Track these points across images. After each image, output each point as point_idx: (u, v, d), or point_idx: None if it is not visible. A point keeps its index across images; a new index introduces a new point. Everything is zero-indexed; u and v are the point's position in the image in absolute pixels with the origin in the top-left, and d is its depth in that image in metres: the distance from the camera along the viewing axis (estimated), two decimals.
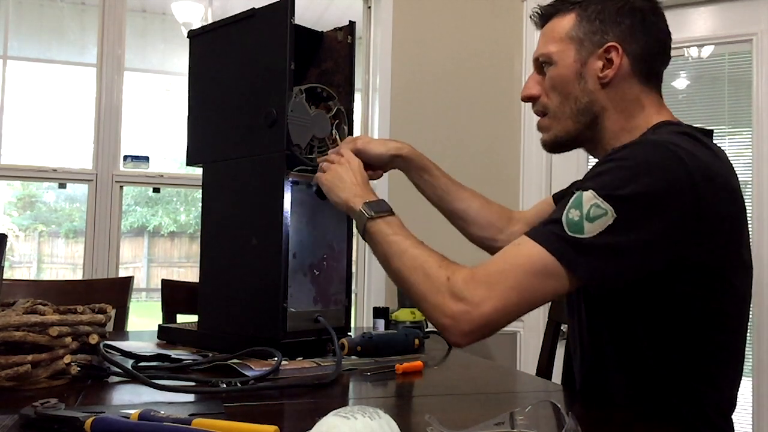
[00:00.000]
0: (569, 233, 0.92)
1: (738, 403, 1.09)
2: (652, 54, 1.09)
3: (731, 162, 1.04)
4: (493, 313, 0.93)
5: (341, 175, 1.19)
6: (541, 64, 1.13)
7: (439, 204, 1.41)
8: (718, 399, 1.02)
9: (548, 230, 0.94)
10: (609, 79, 1.07)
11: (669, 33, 1.12)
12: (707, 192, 0.94)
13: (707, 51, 2.74)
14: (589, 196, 0.93)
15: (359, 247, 2.79)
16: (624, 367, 1.04)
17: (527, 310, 0.95)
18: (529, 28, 2.86)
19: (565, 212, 0.94)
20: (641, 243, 0.92)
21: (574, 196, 0.94)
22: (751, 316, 1.04)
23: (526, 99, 1.17)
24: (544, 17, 1.15)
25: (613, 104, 1.08)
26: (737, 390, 1.06)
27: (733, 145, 2.66)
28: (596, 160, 1.16)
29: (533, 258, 0.93)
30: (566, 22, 1.10)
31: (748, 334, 1.07)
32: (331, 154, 1.25)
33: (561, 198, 1.39)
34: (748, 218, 1.03)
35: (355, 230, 1.29)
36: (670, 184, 0.92)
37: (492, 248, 1.40)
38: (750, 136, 2.57)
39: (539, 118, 1.16)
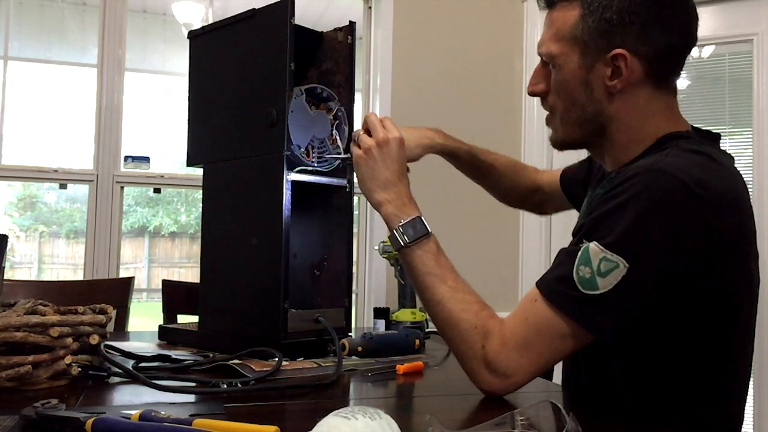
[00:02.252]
0: (584, 291, 0.89)
1: None
2: (672, 50, 0.99)
3: (738, 171, 1.01)
4: (523, 382, 0.96)
5: (376, 167, 1.10)
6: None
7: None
8: (723, 419, 1.01)
9: (562, 291, 0.92)
10: (618, 89, 0.99)
11: (695, 12, 1.00)
12: (718, 221, 0.90)
13: (708, 51, 2.74)
14: (595, 250, 0.89)
15: (359, 247, 2.79)
16: (628, 382, 1.02)
17: (550, 367, 0.98)
18: (529, 28, 2.86)
19: (575, 269, 0.90)
20: (657, 283, 0.91)
21: (581, 250, 0.91)
22: None
23: (532, 94, 1.10)
24: (548, 1, 1.05)
25: (622, 114, 1.01)
26: (743, 407, 1.04)
27: (733, 145, 2.66)
28: (598, 158, 1.16)
29: (552, 323, 0.92)
30: (570, 18, 1.00)
31: (753, 349, 1.06)
32: (373, 121, 1.13)
33: (570, 179, 1.41)
34: None
35: (355, 230, 1.29)
36: (673, 210, 0.88)
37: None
38: (750, 136, 2.57)
39: (546, 111, 1.10)
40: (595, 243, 0.90)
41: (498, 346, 0.95)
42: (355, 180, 1.25)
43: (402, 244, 1.04)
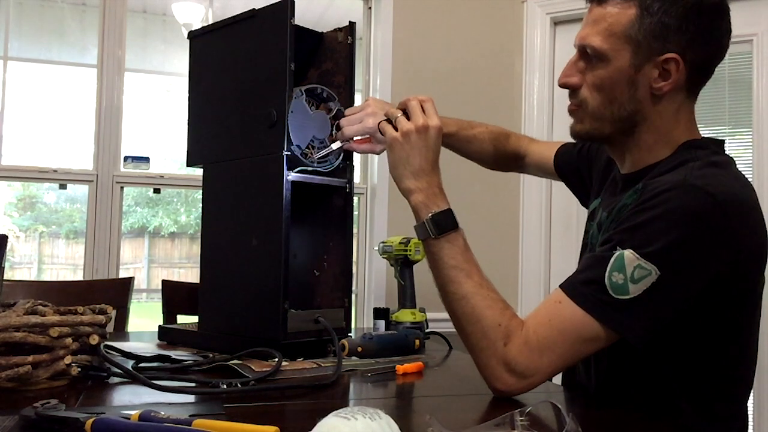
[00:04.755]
0: (614, 296, 0.92)
1: None
2: (713, 61, 1.03)
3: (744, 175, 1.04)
4: (538, 383, 0.97)
5: (412, 152, 1.06)
6: (587, 53, 1.04)
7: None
8: (736, 412, 1.04)
9: (591, 294, 0.93)
10: (663, 92, 1.02)
11: (730, 31, 1.03)
12: (743, 230, 0.95)
13: None
14: (631, 258, 0.92)
15: (359, 247, 2.79)
16: (643, 380, 1.04)
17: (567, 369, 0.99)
18: (529, 29, 2.86)
19: (607, 275, 0.92)
20: (686, 290, 0.94)
21: (615, 257, 0.93)
22: None
23: (564, 86, 1.08)
24: None
25: (656, 116, 1.04)
26: (745, 402, 1.07)
27: (733, 145, 2.66)
28: (610, 157, 1.18)
29: (579, 325, 0.94)
30: (626, 17, 1.00)
31: (757, 352, 1.07)
32: (414, 105, 1.10)
33: (565, 161, 1.43)
34: None
35: (355, 231, 1.29)
36: (709, 229, 0.92)
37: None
38: (750, 136, 2.57)
39: (572, 104, 1.09)
40: (631, 251, 0.92)
41: (520, 345, 0.95)
42: (356, 181, 1.24)
43: (430, 234, 1.02)
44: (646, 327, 0.93)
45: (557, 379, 1.25)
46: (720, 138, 1.09)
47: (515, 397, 0.98)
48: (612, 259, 0.93)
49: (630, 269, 0.91)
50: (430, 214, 1.03)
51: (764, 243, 1.00)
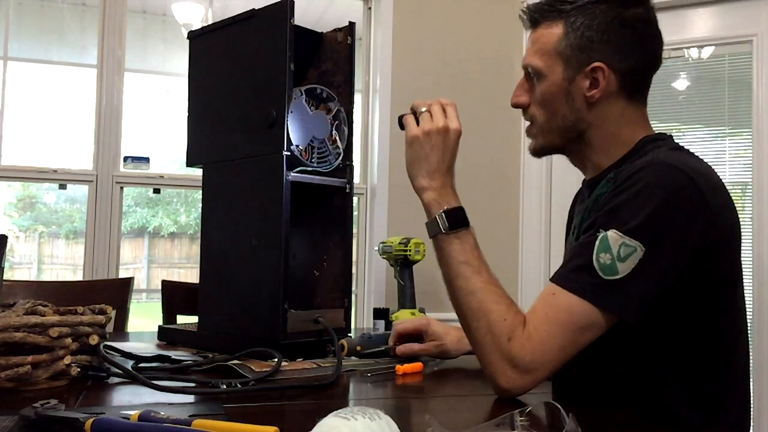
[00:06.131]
0: (605, 277, 0.94)
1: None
2: (642, 69, 1.10)
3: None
4: (541, 378, 0.98)
5: (430, 152, 1.07)
6: (529, 72, 1.13)
7: None
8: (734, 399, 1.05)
9: (582, 279, 0.96)
10: (595, 99, 1.08)
11: (661, 39, 1.11)
12: (715, 201, 0.99)
13: (707, 52, 2.74)
14: (615, 237, 0.95)
15: (359, 247, 2.79)
16: (630, 370, 1.05)
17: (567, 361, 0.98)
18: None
19: (594, 257, 0.95)
20: (672, 262, 0.96)
21: (599, 239, 0.95)
22: (750, 317, 1.05)
23: (515, 106, 1.16)
24: (532, 21, 1.14)
25: (599, 122, 1.10)
26: (743, 388, 1.07)
27: (733, 145, 2.66)
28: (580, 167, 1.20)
29: (575, 313, 0.95)
30: (554, 34, 1.09)
31: (748, 336, 1.08)
32: (437, 108, 1.10)
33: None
34: (749, 219, 1.06)
35: (355, 231, 1.29)
36: (686, 202, 0.96)
37: None
38: (750, 136, 2.57)
39: (528, 123, 1.17)
40: (614, 230, 0.95)
41: (523, 341, 0.96)
42: (356, 181, 1.25)
43: (441, 230, 1.04)
44: (639, 305, 0.95)
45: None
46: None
47: (514, 398, 0.98)
48: (597, 242, 0.96)
49: (616, 248, 0.94)
50: (442, 210, 1.05)
51: (735, 219, 1.04)
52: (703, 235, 0.96)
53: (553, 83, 1.09)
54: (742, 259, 1.07)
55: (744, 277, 1.08)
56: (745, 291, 1.08)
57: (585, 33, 1.06)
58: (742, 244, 1.07)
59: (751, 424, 1.09)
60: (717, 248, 0.99)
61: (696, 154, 1.10)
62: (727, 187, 1.07)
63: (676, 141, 1.12)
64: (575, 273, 0.97)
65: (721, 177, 1.07)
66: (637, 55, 1.08)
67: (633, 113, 1.11)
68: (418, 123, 1.10)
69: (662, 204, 0.95)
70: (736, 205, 1.06)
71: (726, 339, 1.04)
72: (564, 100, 1.09)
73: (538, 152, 1.18)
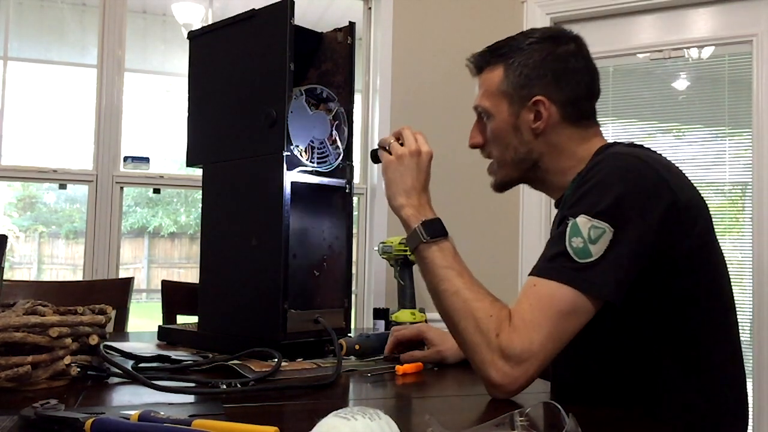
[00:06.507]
0: (580, 261, 0.98)
1: None
2: (580, 97, 1.17)
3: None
4: (534, 370, 0.98)
5: (405, 173, 1.15)
6: (480, 113, 1.21)
7: None
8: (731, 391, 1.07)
9: (559, 265, 0.99)
10: (541, 129, 1.15)
11: (595, 70, 1.19)
12: (675, 181, 1.04)
13: (707, 52, 2.74)
14: (583, 221, 0.99)
15: (359, 248, 2.79)
16: (621, 344, 1.08)
17: (558, 351, 1.00)
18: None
19: (567, 243, 0.99)
20: (642, 239, 0.99)
21: (569, 225, 1.00)
22: (750, 317, 1.05)
23: (472, 147, 1.24)
24: (477, 68, 1.22)
25: (549, 149, 1.17)
26: (735, 363, 1.10)
27: (733, 145, 2.66)
28: (547, 192, 1.25)
29: (557, 299, 0.98)
30: (496, 76, 1.18)
31: (748, 336, 1.09)
32: (407, 133, 1.19)
33: None
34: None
35: (355, 231, 1.29)
36: (645, 181, 1.02)
37: None
38: (750, 136, 2.57)
39: (489, 163, 1.25)
40: (582, 215, 1.00)
41: (510, 332, 0.98)
42: (356, 181, 1.26)
43: (422, 239, 1.09)
44: (618, 283, 0.98)
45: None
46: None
47: (514, 398, 0.98)
48: (568, 229, 1.00)
49: (586, 231, 0.98)
50: (420, 222, 1.10)
51: (698, 200, 1.08)
52: (667, 212, 1.00)
53: (501, 120, 1.18)
54: (721, 244, 1.11)
55: (744, 277, 1.08)
56: (733, 276, 1.11)
57: (523, 71, 1.15)
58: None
59: (750, 424, 1.09)
60: (681, 227, 1.02)
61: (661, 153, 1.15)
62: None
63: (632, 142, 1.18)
64: (551, 262, 1.00)
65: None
66: (572, 86, 1.16)
67: (583, 133, 1.17)
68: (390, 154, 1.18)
69: (624, 187, 1.00)
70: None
71: (712, 316, 1.07)
72: (513, 134, 1.17)
73: (499, 187, 1.25)
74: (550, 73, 1.15)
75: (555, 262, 1.00)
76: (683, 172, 1.10)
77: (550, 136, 1.16)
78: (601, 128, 1.21)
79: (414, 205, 1.13)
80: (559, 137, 1.16)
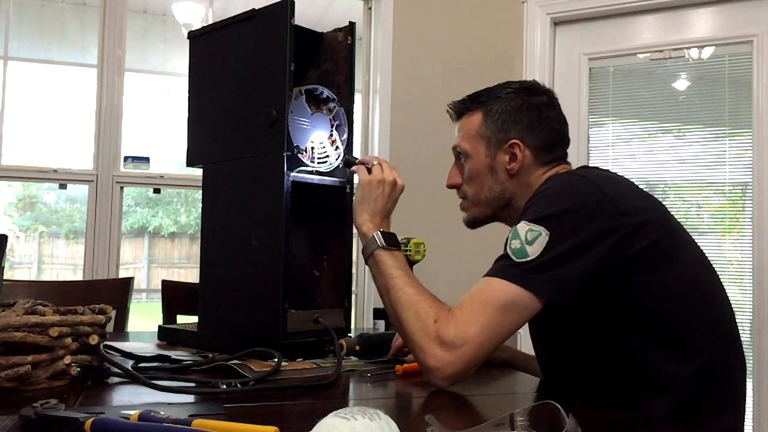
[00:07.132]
0: (517, 260, 1.06)
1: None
2: (551, 143, 1.27)
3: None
4: (470, 355, 1.03)
5: (379, 197, 1.25)
6: (459, 155, 1.31)
7: None
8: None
9: (500, 265, 1.08)
10: (515, 171, 1.25)
11: (565, 121, 1.30)
12: (618, 193, 1.11)
13: (708, 52, 2.74)
14: (522, 226, 1.08)
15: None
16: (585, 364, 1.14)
17: (499, 345, 1.08)
18: (529, 29, 2.86)
19: (507, 246, 1.08)
20: (578, 247, 1.05)
21: (511, 231, 1.09)
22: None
23: (450, 187, 1.34)
24: (457, 113, 1.32)
25: (521, 189, 1.26)
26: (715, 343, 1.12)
27: (733, 146, 2.66)
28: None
29: (495, 293, 1.05)
30: (476, 121, 1.28)
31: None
32: (386, 165, 1.29)
33: None
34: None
35: (355, 231, 1.30)
36: (585, 196, 1.10)
37: None
38: (750, 137, 2.57)
39: (461, 200, 1.34)
40: (523, 221, 1.09)
41: (448, 319, 1.06)
42: (356, 181, 1.28)
43: (378, 244, 1.19)
44: (558, 283, 1.04)
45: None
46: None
47: (514, 398, 0.98)
48: (510, 234, 1.09)
49: (523, 234, 1.07)
50: (378, 232, 1.21)
51: (652, 206, 1.14)
52: (608, 219, 1.06)
53: (479, 161, 1.28)
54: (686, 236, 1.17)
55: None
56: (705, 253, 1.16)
57: (500, 117, 1.26)
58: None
59: (750, 424, 1.09)
60: (626, 231, 1.06)
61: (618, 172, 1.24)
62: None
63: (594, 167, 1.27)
64: (495, 264, 1.10)
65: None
66: (545, 132, 1.26)
67: (552, 172, 1.26)
68: (369, 171, 1.27)
69: (566, 203, 1.09)
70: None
71: (692, 306, 1.10)
72: (489, 174, 1.27)
73: (471, 223, 1.35)
74: (526, 120, 1.25)
75: (497, 264, 1.09)
76: (635, 184, 1.19)
77: (522, 176, 1.26)
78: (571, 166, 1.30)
79: (376, 224, 1.23)
80: (531, 178, 1.25)
